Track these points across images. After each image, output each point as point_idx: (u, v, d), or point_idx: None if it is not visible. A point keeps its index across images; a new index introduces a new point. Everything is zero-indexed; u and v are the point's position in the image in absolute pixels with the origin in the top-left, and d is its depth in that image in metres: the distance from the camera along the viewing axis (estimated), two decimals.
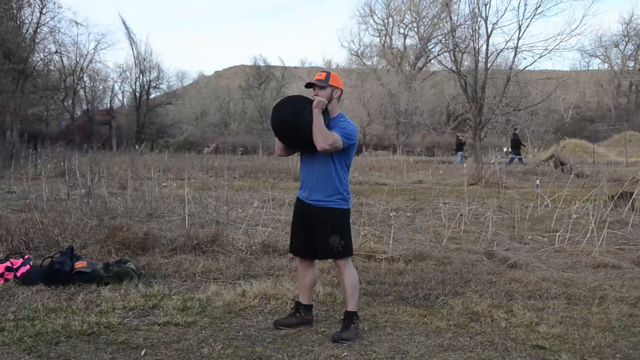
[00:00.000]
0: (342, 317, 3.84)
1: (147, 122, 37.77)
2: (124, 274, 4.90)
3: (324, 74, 3.79)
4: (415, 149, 33.69)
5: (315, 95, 3.74)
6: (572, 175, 12.01)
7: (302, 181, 3.88)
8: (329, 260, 5.53)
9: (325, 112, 3.69)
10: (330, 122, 3.73)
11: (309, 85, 3.81)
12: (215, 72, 74.88)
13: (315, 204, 3.74)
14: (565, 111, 41.62)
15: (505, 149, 32.67)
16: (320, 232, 3.72)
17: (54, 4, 27.72)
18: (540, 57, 19.55)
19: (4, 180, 13.18)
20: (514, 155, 24.28)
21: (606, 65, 53.09)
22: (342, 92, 3.83)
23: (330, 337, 3.67)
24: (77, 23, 35.77)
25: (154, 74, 39.58)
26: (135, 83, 38.90)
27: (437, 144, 35.96)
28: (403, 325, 3.97)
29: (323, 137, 3.56)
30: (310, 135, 3.58)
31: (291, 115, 3.65)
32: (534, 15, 17.80)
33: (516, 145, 24.51)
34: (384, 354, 3.44)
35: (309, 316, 3.96)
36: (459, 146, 25.75)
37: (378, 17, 54.19)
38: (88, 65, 35.53)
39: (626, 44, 51.50)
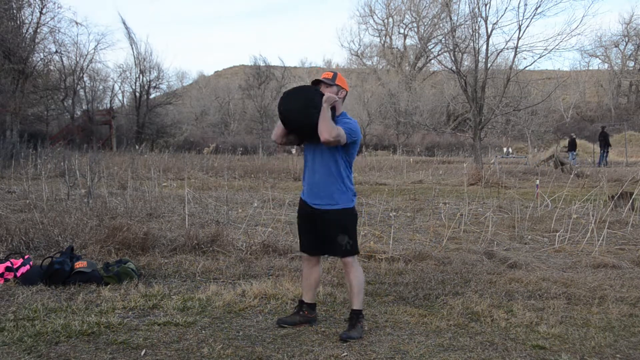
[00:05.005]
0: (347, 316, 3.88)
1: (147, 122, 37.67)
2: (124, 274, 4.90)
3: (331, 73, 3.86)
4: (415, 149, 33.68)
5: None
6: (572, 175, 12.01)
7: (304, 182, 3.88)
8: (329, 260, 5.57)
9: (333, 109, 3.72)
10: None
11: (315, 82, 3.84)
12: (215, 72, 74.97)
13: (319, 207, 3.75)
14: (565, 111, 41.63)
15: (505, 149, 32.70)
16: (327, 232, 3.75)
17: (54, 4, 27.81)
18: (540, 57, 19.61)
19: (4, 180, 13.17)
20: (603, 153, 24.23)
21: (606, 65, 53.10)
22: (346, 94, 3.88)
23: (339, 336, 3.68)
24: (77, 23, 35.60)
25: (154, 74, 39.49)
26: (135, 83, 38.85)
27: (437, 144, 35.97)
28: (403, 325, 3.97)
29: (328, 129, 3.56)
30: (316, 125, 3.60)
31: (302, 102, 3.66)
32: (534, 15, 17.85)
33: (605, 142, 24.37)
34: (384, 354, 3.44)
35: (312, 314, 3.97)
36: (571, 145, 25.07)
37: (378, 17, 54.29)
38: (88, 65, 35.43)
39: (626, 44, 51.54)
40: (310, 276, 3.94)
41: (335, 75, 3.85)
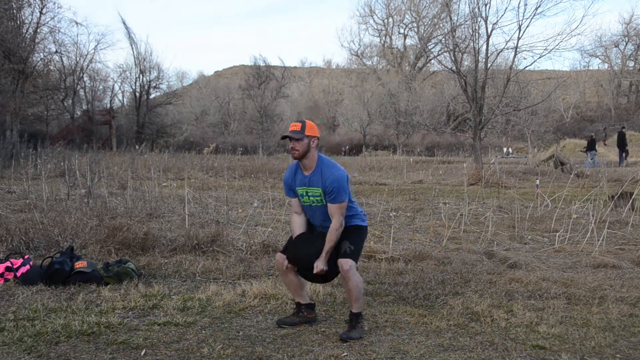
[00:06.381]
0: (347, 318, 3.89)
1: (147, 122, 37.66)
2: (124, 274, 4.90)
3: (299, 124, 3.69)
4: (415, 149, 33.67)
5: (293, 150, 3.65)
6: (572, 175, 12.01)
7: (309, 219, 3.93)
8: None
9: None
10: (313, 174, 3.71)
11: (284, 138, 3.72)
12: (215, 72, 74.94)
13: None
14: (565, 111, 41.63)
15: (505, 149, 32.68)
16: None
17: (54, 4, 27.72)
18: (540, 57, 19.59)
19: (4, 180, 13.16)
20: (623, 154, 24.09)
21: (606, 65, 53.06)
22: (318, 140, 3.75)
23: (339, 336, 3.69)
24: (77, 23, 35.48)
25: (154, 74, 39.46)
26: (135, 83, 38.83)
27: (437, 144, 35.97)
28: (403, 325, 3.97)
29: (338, 234, 3.71)
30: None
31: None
32: (534, 15, 17.84)
33: (623, 143, 24.21)
34: (384, 354, 3.44)
35: (312, 315, 3.97)
36: (591, 145, 24.29)
37: (378, 17, 54.31)
38: (88, 65, 35.41)
39: (626, 44, 51.50)
40: (290, 281, 3.90)
41: (303, 125, 3.66)
